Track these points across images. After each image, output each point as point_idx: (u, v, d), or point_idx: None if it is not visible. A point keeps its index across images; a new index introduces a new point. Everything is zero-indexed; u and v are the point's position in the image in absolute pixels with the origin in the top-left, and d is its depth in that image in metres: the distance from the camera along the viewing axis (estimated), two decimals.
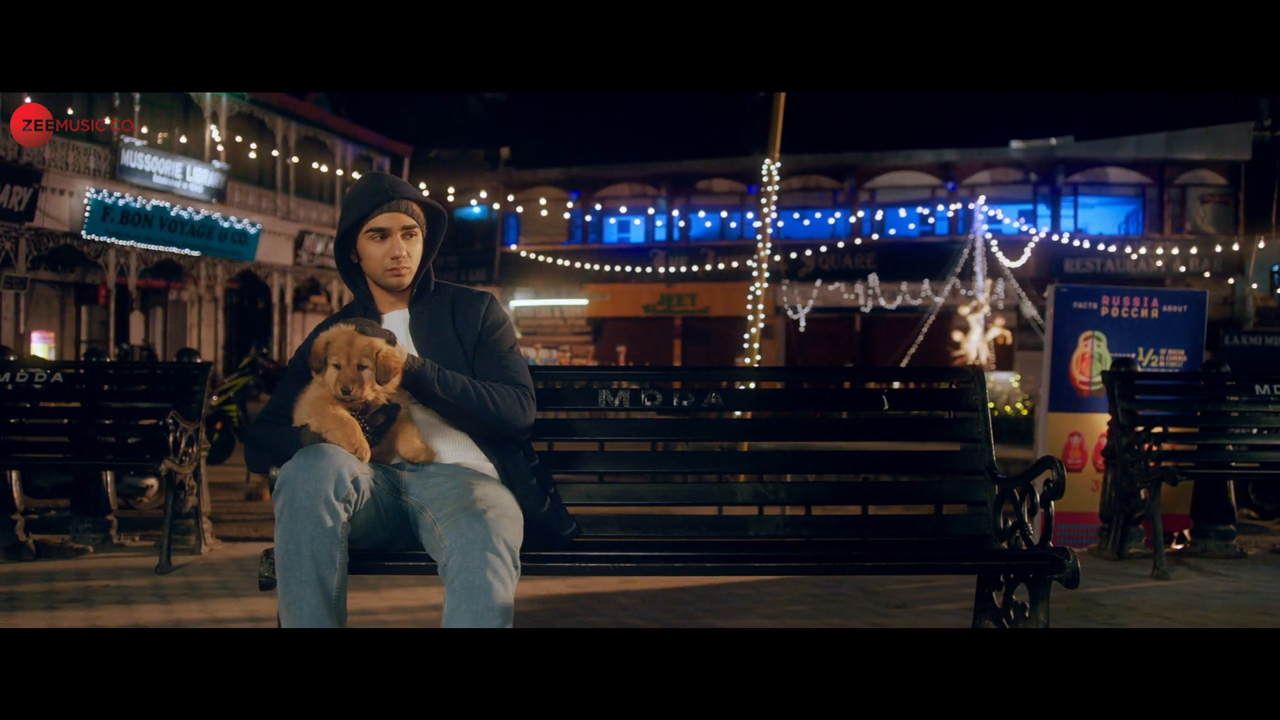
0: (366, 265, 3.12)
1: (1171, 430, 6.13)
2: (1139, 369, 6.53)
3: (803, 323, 31.89)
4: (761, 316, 13.20)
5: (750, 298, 13.25)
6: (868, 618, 4.52)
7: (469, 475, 2.92)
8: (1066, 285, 7.16)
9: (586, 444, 3.48)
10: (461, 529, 2.60)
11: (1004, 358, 26.92)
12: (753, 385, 4.02)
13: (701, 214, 34.61)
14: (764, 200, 13.14)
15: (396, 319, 3.15)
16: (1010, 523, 3.26)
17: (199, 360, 6.16)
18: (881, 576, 5.10)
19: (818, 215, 33.03)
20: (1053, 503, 3.07)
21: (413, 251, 3.12)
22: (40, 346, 22.99)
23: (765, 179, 12.98)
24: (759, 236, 13.04)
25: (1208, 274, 29.41)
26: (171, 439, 5.48)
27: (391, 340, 2.89)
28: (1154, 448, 5.86)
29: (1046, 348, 6.99)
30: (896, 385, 4.41)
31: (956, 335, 24.85)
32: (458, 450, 3.04)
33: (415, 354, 3.01)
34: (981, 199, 27.36)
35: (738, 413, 3.94)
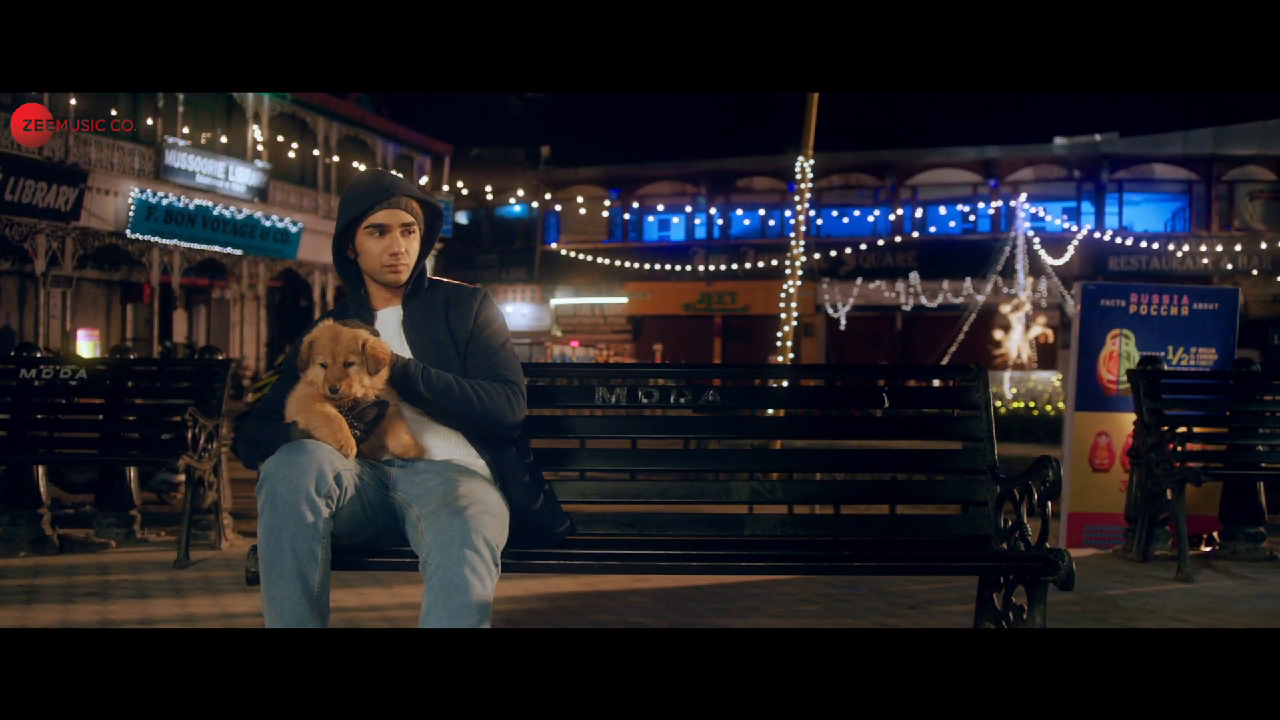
0: (364, 261, 3.13)
1: (1200, 430, 6.03)
2: (1167, 368, 6.41)
3: (843, 321, 31.72)
4: (795, 315, 13.15)
5: (783, 296, 13.19)
6: (878, 618, 4.47)
7: (456, 472, 2.92)
8: (1094, 283, 7.06)
9: (575, 442, 3.47)
10: (442, 525, 2.59)
11: (1046, 356, 26.62)
12: (754, 382, 3.99)
13: (740, 212, 34.55)
14: (798, 198, 13.09)
15: (390, 315, 3.16)
16: (1010, 523, 3.21)
17: (221, 357, 6.21)
18: (897, 577, 5.05)
19: (857, 213, 32.85)
20: (1050, 503, 3.01)
21: (410, 248, 3.12)
22: (86, 344, 23.35)
23: (799, 177, 12.94)
24: (793, 235, 12.99)
25: (1256, 271, 28.89)
26: (190, 435, 5.53)
27: (375, 335, 2.90)
28: (1179, 448, 5.75)
29: (1073, 346, 6.89)
30: (898, 383, 4.35)
31: (998, 334, 24.63)
32: (448, 447, 3.04)
33: (406, 351, 3.03)
34: (1023, 196, 27.08)
35: (734, 411, 3.90)
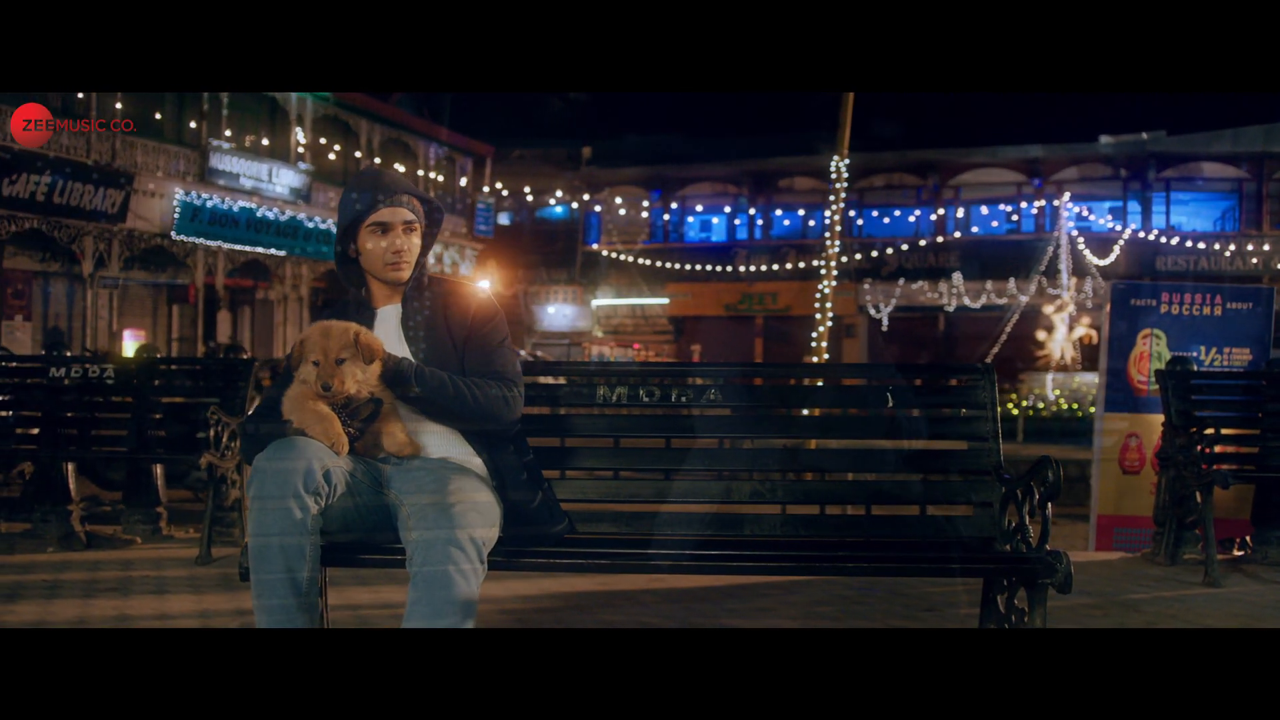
0: (366, 260, 3.15)
1: (1231, 432, 5.90)
2: (1197, 368, 6.30)
3: (885, 322, 31.50)
4: (831, 315, 13.06)
5: (818, 296, 13.11)
6: (893, 620, 4.43)
7: (450, 470, 2.92)
8: (1123, 282, 6.97)
9: (586, 440, 3.47)
10: (429, 522, 2.60)
11: (1091, 357, 26.28)
12: (749, 380, 3.96)
13: (781, 212, 34.42)
14: (833, 198, 13.01)
15: (390, 313, 3.17)
16: (1013, 524, 3.16)
17: (245, 356, 6.28)
18: (914, 579, 5.00)
19: (899, 213, 32.63)
20: (1050, 504, 2.96)
21: (411, 245, 3.14)
22: (132, 345, 23.67)
23: (834, 176, 12.86)
24: (827, 235, 12.93)
25: None
26: (213, 433, 5.59)
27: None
28: (1208, 450, 5.63)
29: (1103, 346, 6.82)
30: (925, 382, 4.30)
31: (1041, 335, 24.36)
32: (444, 444, 3.04)
33: (405, 348, 3.05)
34: (1067, 195, 26.76)
35: (735, 410, 3.87)
